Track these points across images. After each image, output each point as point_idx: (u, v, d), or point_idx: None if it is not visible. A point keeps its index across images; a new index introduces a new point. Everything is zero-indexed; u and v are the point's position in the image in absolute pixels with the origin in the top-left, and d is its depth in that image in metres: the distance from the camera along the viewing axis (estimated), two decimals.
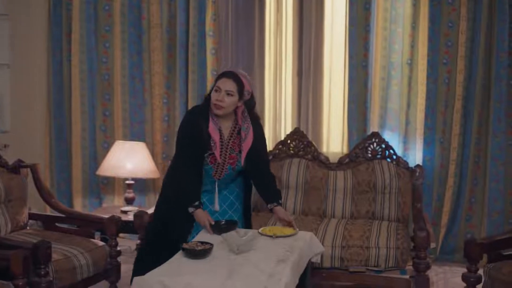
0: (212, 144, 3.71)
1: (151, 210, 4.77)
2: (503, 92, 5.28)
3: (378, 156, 5.10)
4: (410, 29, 5.40)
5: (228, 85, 3.65)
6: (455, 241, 5.48)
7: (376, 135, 5.15)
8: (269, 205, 3.89)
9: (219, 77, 3.73)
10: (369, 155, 5.11)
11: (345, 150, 5.58)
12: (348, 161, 5.14)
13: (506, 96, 5.30)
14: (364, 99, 5.50)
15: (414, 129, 5.50)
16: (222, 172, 3.83)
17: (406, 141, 5.52)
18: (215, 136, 3.71)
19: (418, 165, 5.03)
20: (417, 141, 5.49)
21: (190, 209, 3.69)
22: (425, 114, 5.44)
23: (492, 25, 5.25)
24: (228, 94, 3.64)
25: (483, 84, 5.33)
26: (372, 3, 5.41)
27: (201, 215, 3.68)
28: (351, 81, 5.50)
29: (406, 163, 5.05)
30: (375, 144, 5.13)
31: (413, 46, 5.42)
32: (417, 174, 4.92)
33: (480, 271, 3.82)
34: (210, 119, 3.72)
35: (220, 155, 3.75)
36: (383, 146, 5.12)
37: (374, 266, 4.32)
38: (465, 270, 3.84)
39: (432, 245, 4.32)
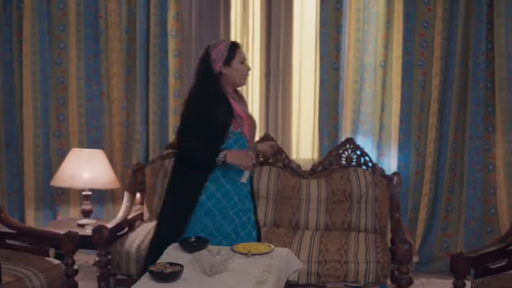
0: (238, 119, 3.51)
1: (110, 223, 4.49)
2: (481, 96, 5.08)
3: (353, 164, 4.84)
4: (384, 29, 5.16)
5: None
6: (431, 251, 5.25)
7: (350, 141, 4.90)
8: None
9: (236, 47, 3.57)
10: (344, 163, 4.85)
11: (316, 157, 5.31)
12: (322, 169, 4.86)
13: (484, 99, 5.10)
14: (335, 103, 5.22)
15: (389, 134, 5.26)
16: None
17: (380, 147, 5.26)
18: (240, 111, 3.55)
19: (395, 173, 4.81)
20: (391, 146, 5.25)
21: (221, 157, 3.37)
22: (400, 118, 5.19)
23: (469, 26, 5.06)
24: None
25: (460, 87, 5.12)
26: (343, 2, 5.15)
27: (235, 154, 3.39)
28: (322, 84, 5.21)
29: (382, 170, 4.81)
30: (349, 151, 4.88)
31: (387, 47, 5.17)
32: (395, 182, 4.70)
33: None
34: (228, 95, 3.56)
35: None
36: (358, 152, 4.87)
37: (353, 282, 4.06)
38: (443, 281, 3.62)
39: (415, 259, 4.09)
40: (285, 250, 3.47)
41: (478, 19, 5.01)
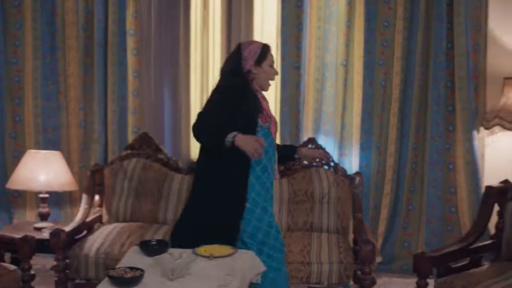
0: (266, 117, 3.56)
1: (67, 226, 4.38)
2: (441, 95, 5.09)
3: (315, 164, 4.79)
4: (345, 28, 5.14)
5: None
6: (392, 250, 5.25)
7: (312, 140, 4.85)
8: (295, 155, 3.94)
9: (268, 50, 3.64)
10: (305, 163, 4.80)
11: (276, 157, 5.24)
12: (283, 169, 4.80)
13: (444, 98, 5.11)
14: (297, 102, 5.18)
15: (350, 133, 5.24)
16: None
17: (341, 146, 5.25)
18: (267, 109, 3.62)
19: (357, 172, 4.78)
20: (353, 146, 5.24)
21: (229, 137, 3.26)
22: (361, 118, 5.18)
23: (429, 25, 5.07)
24: None
25: (421, 86, 5.14)
26: (304, 0, 5.10)
27: (245, 137, 3.28)
28: (283, 83, 5.17)
29: (344, 170, 4.77)
30: None
31: (348, 46, 5.16)
32: (357, 181, 4.67)
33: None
34: (257, 93, 3.59)
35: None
36: None
37: (316, 283, 4.02)
38: (405, 281, 3.61)
39: (378, 259, 4.07)
40: (248, 252, 3.42)
41: (438, 18, 5.02)
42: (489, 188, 4.10)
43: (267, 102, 3.67)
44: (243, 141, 3.27)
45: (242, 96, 3.45)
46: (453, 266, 3.84)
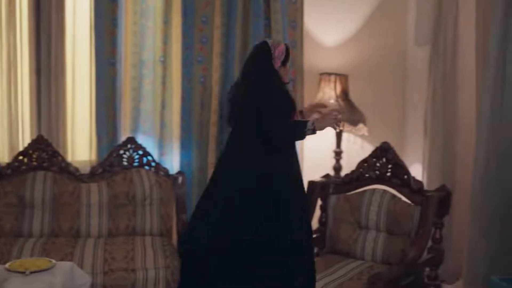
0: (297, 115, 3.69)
1: None
2: None
3: (136, 164, 4.59)
4: (162, 23, 4.97)
5: None
6: None
7: (131, 140, 4.65)
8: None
9: (289, 50, 3.75)
10: (125, 163, 4.59)
11: (94, 158, 4.96)
12: (102, 171, 4.55)
13: None
14: (113, 100, 4.89)
15: (170, 132, 5.08)
16: None
17: (162, 145, 5.06)
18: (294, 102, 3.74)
19: (180, 172, 4.66)
20: (173, 145, 5.09)
21: (309, 126, 3.36)
22: (181, 115, 5.04)
23: (247, 21, 5.04)
24: None
25: None
26: None
27: (319, 119, 3.45)
28: (98, 80, 4.85)
29: (166, 170, 4.62)
30: (131, 151, 4.63)
31: (166, 42, 4.99)
32: (180, 181, 4.56)
33: None
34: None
35: None
36: (140, 152, 4.64)
37: None
38: None
39: None
40: (68, 264, 3.18)
41: (256, 15, 5.00)
42: (312, 183, 4.15)
43: None
44: (321, 122, 3.42)
45: (280, 93, 3.59)
46: None
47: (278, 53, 3.65)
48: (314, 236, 4.05)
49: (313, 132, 3.38)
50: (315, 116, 3.82)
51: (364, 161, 4.14)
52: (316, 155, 5.22)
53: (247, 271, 3.28)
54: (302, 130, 3.37)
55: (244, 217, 3.38)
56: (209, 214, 3.43)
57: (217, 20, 5.01)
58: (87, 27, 4.94)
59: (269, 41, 3.70)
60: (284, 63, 3.69)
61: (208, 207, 3.47)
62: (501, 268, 3.75)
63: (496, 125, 3.85)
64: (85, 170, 4.72)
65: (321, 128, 3.40)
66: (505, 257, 3.81)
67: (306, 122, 3.41)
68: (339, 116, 3.50)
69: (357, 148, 5.25)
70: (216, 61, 5.05)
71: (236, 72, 5.02)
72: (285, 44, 3.74)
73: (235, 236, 3.33)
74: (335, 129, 3.44)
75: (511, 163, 3.83)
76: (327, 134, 5.18)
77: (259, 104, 3.43)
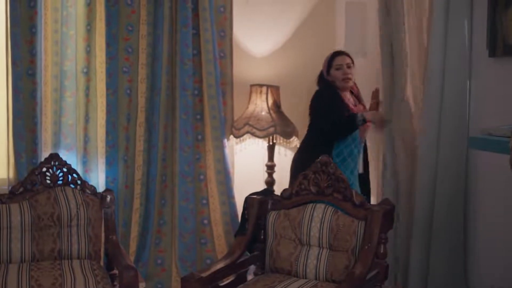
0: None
1: None
2: (189, 103, 4.91)
3: (60, 182, 4.27)
4: (85, 32, 4.70)
5: (346, 59, 4.45)
6: (146, 269, 4.90)
7: (55, 157, 4.30)
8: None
9: (334, 57, 4.47)
10: (49, 182, 4.25)
11: (12, 176, 4.60)
12: (23, 190, 4.19)
13: (192, 107, 4.94)
14: (33, 114, 4.55)
15: (95, 147, 4.81)
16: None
17: (86, 161, 4.79)
18: (350, 103, 4.45)
19: (107, 190, 4.36)
20: (98, 160, 4.82)
21: (359, 117, 4.22)
22: (106, 129, 4.78)
23: (174, 31, 4.84)
24: (348, 67, 4.44)
25: (168, 94, 4.90)
26: (38, 0, 4.51)
27: (370, 112, 4.35)
28: (16, 93, 4.49)
29: (93, 188, 4.32)
30: (55, 168, 4.30)
31: (89, 52, 4.73)
32: (108, 200, 4.26)
33: None
34: (340, 93, 4.45)
35: None
36: (65, 169, 4.31)
37: None
38: None
39: (141, 285, 3.72)
40: None
41: (184, 24, 4.82)
42: (251, 199, 3.98)
43: (353, 97, 4.55)
44: (372, 116, 4.27)
45: (331, 100, 4.34)
46: (221, 284, 3.65)
47: (324, 64, 4.50)
48: (254, 254, 3.90)
49: (364, 122, 4.21)
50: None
51: (303, 175, 4.00)
52: (248, 169, 5.08)
53: None
54: (352, 122, 4.21)
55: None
56: None
57: (143, 29, 4.80)
58: (3, 35, 4.59)
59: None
60: (328, 71, 4.45)
61: None
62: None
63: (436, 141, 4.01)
64: (3, 189, 4.38)
65: (371, 119, 4.25)
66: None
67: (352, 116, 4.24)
68: (384, 118, 4.24)
69: (289, 161, 5.13)
70: (142, 72, 4.84)
71: (163, 83, 4.82)
72: (331, 54, 4.49)
73: None
74: (379, 126, 4.28)
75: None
76: (258, 148, 5.05)
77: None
